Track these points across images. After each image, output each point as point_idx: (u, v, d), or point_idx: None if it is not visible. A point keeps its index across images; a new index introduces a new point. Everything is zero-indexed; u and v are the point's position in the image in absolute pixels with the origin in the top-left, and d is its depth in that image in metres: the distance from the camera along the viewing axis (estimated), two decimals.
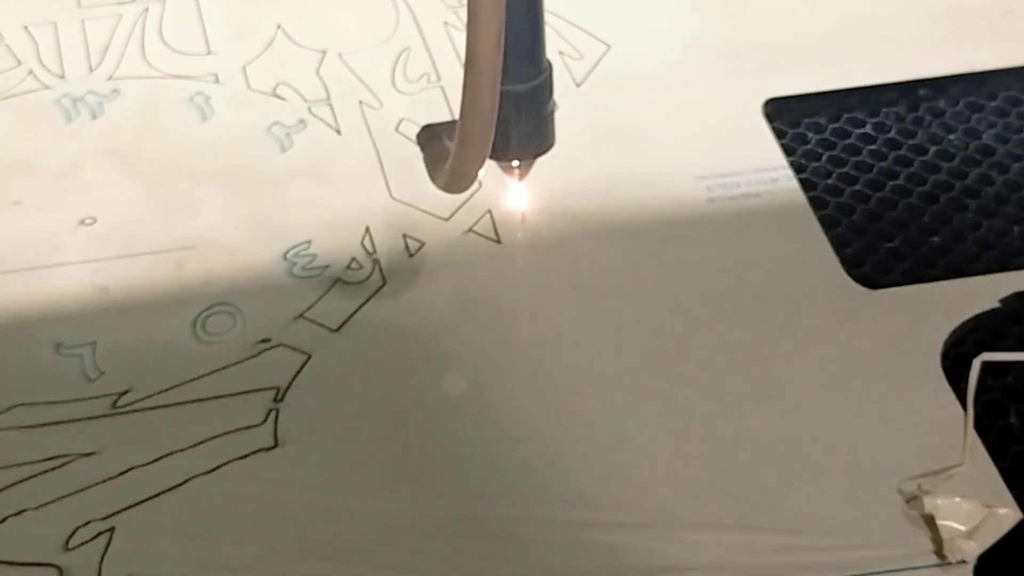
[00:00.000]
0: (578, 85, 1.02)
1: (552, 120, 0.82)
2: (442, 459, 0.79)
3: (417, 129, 0.96)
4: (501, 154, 0.79)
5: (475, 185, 0.90)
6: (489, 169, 0.89)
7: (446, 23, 1.09)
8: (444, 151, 0.81)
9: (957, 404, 0.80)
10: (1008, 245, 0.90)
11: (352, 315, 0.87)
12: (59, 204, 0.95)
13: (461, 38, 1.01)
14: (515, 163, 0.85)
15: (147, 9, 1.11)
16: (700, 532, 0.74)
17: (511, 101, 0.73)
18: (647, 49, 1.06)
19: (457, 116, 0.74)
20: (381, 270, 0.90)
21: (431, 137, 0.85)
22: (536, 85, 0.79)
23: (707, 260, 0.90)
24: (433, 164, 0.84)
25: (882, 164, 0.96)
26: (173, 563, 0.74)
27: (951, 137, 0.98)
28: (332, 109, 1.02)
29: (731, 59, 1.05)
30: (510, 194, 0.95)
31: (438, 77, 1.04)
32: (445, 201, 0.93)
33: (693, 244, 0.91)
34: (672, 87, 1.03)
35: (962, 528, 0.73)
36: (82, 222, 0.93)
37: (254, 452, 0.80)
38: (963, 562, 0.72)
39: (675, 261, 0.90)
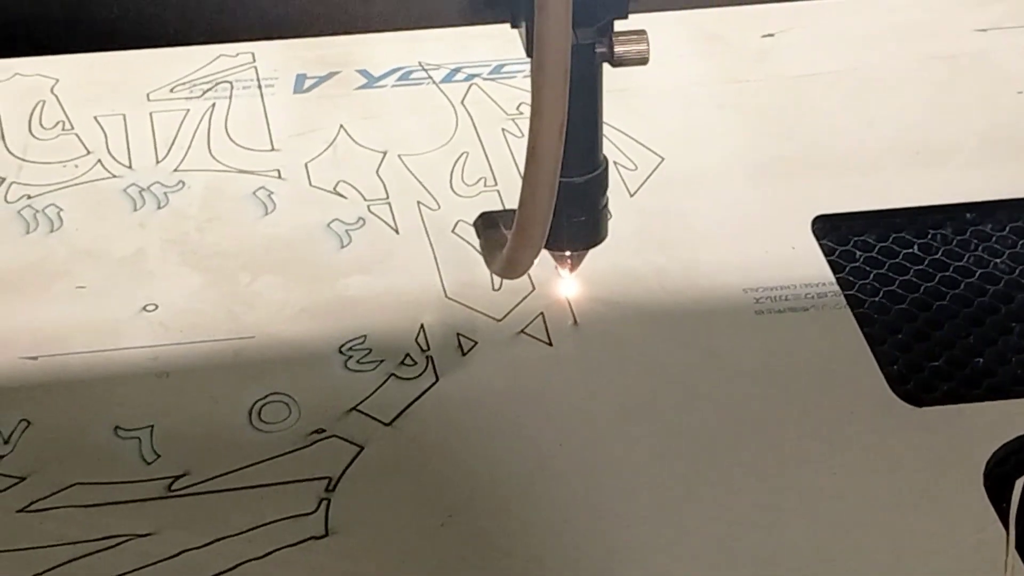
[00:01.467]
0: (632, 195, 1.02)
1: (606, 214, 0.83)
2: (491, 556, 0.79)
3: (472, 232, 0.98)
4: (555, 244, 0.79)
5: (528, 286, 0.91)
6: (542, 275, 0.91)
7: (504, 129, 1.10)
8: (501, 238, 0.81)
9: (999, 524, 0.79)
10: None
11: (405, 409, 0.88)
12: (122, 290, 0.96)
13: (517, 144, 1.03)
14: (567, 253, 0.85)
15: (214, 105, 1.13)
16: None
17: (567, 192, 0.73)
18: (699, 163, 1.07)
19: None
20: (434, 367, 0.90)
21: (488, 224, 0.86)
22: (592, 179, 0.79)
23: (755, 370, 0.90)
24: (489, 251, 0.85)
25: (928, 284, 0.96)
26: None
27: (997, 260, 0.98)
28: (391, 208, 1.02)
29: (782, 176, 1.06)
30: (561, 283, 0.96)
31: (495, 181, 1.05)
32: (498, 302, 0.95)
33: (741, 354, 0.92)
34: (723, 200, 1.03)
35: None
36: (144, 308, 0.94)
37: (305, 540, 0.80)
38: None
39: (724, 369, 0.90)
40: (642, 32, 0.74)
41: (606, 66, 0.75)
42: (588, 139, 0.76)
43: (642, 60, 0.74)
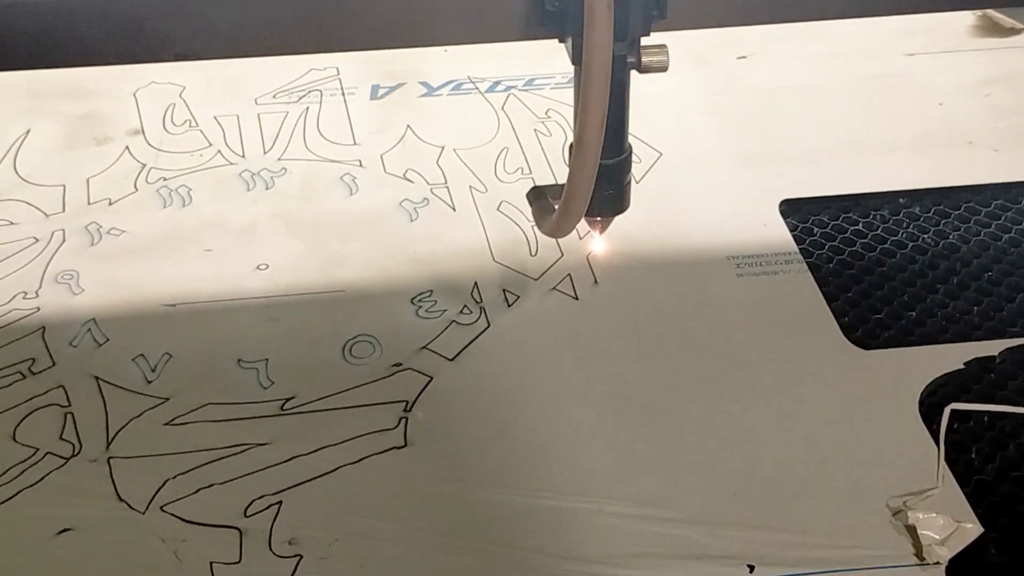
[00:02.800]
0: (638, 182, 1.02)
1: (629, 189, 0.83)
2: (534, 461, 0.80)
3: (517, 215, 0.99)
4: (591, 211, 0.79)
5: (559, 253, 0.92)
6: (569, 245, 0.91)
7: (536, 130, 1.10)
8: (549, 206, 0.82)
9: (932, 442, 0.80)
10: (969, 322, 0.90)
11: (464, 348, 0.88)
12: (240, 253, 0.97)
13: (548, 141, 1.03)
14: (599, 219, 0.85)
15: (307, 108, 1.13)
16: (732, 529, 0.75)
17: (601, 172, 0.73)
18: (690, 156, 1.07)
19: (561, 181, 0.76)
20: (486, 315, 0.91)
21: (538, 196, 0.85)
22: (620, 161, 0.79)
23: (737, 320, 0.91)
24: (540, 216, 0.84)
25: (871, 254, 0.96)
26: (326, 532, 0.75)
27: (924, 236, 0.98)
28: (449, 191, 1.03)
29: (755, 168, 1.06)
30: (592, 242, 0.96)
31: (530, 170, 1.05)
32: (535, 265, 0.95)
33: (726, 307, 0.92)
34: (710, 186, 1.04)
35: (937, 537, 0.73)
36: (257, 267, 0.95)
37: (388, 449, 0.81)
38: (938, 564, 0.72)
39: (713, 319, 0.91)
40: (663, 46, 0.74)
41: (633, 72, 0.74)
42: (618, 131, 0.76)
43: (663, 68, 0.74)
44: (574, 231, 0.80)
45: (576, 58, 0.76)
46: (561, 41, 0.78)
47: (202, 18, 0.81)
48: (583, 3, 0.68)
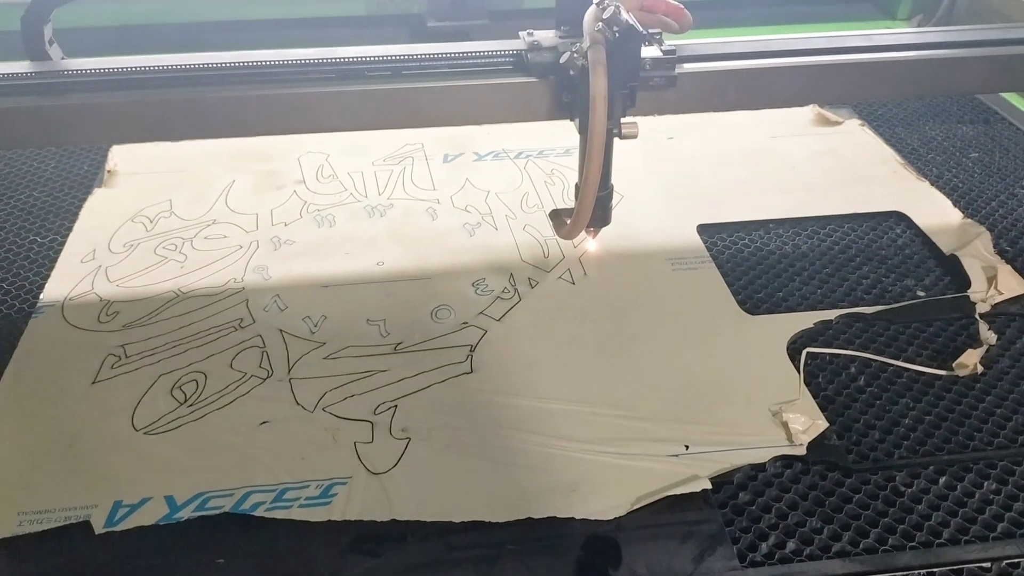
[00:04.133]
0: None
1: (611, 211, 0.84)
2: (551, 382, 0.80)
3: (535, 232, 0.99)
4: (589, 224, 0.81)
5: (561, 255, 0.93)
6: (568, 253, 0.92)
7: (545, 182, 1.10)
8: (563, 221, 0.83)
9: (795, 371, 0.81)
10: (816, 298, 0.91)
11: (505, 314, 0.89)
12: (366, 255, 0.97)
13: (553, 188, 1.03)
14: (591, 229, 0.86)
15: (404, 168, 1.13)
16: (673, 423, 0.76)
17: (596, 200, 0.75)
18: (640, 197, 1.06)
19: (568, 206, 0.77)
20: (518, 293, 0.91)
21: (556, 215, 0.86)
22: (607, 193, 0.80)
23: (673, 296, 0.91)
24: (557, 227, 0.86)
25: (753, 258, 0.97)
26: (424, 424, 0.76)
27: (786, 247, 0.99)
28: (493, 218, 1.03)
29: (681, 203, 1.06)
30: (588, 244, 0.96)
31: (542, 206, 1.06)
32: (547, 262, 0.96)
33: (666, 290, 0.92)
34: (653, 215, 1.03)
35: (801, 428, 0.74)
36: (377, 264, 0.95)
37: (461, 374, 0.81)
38: (801, 444, 0.73)
39: (658, 295, 0.91)
40: (635, 122, 0.74)
41: (616, 139, 0.75)
42: (606, 174, 0.77)
43: (634, 136, 0.75)
44: (574, 239, 0.81)
45: (582, 129, 0.77)
46: (571, 120, 0.79)
47: (340, 106, 0.82)
48: (589, 98, 0.70)
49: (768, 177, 1.11)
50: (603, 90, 0.69)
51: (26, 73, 0.76)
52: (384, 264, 0.95)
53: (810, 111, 1.25)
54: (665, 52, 0.78)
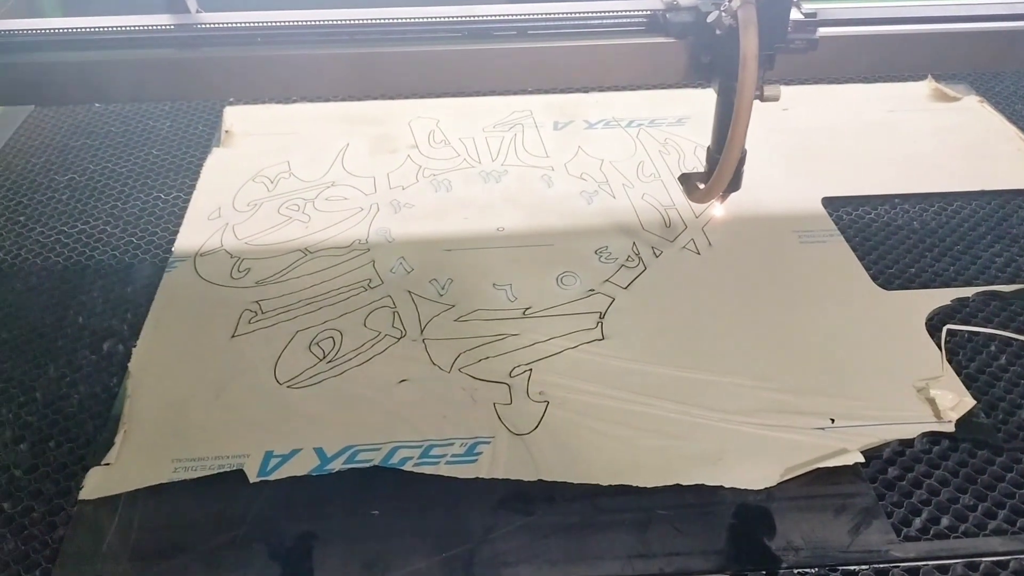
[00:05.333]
0: None
1: (742, 176, 0.83)
2: (682, 351, 0.80)
3: (654, 201, 0.99)
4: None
5: (683, 225, 0.92)
6: (692, 222, 0.91)
7: (659, 151, 1.09)
8: (695, 184, 0.84)
9: (936, 348, 0.79)
10: (950, 275, 0.89)
11: (632, 282, 0.88)
12: (485, 221, 0.97)
13: (670, 158, 1.02)
14: (722, 193, 0.85)
15: (515, 135, 1.13)
16: (818, 396, 0.75)
17: None
18: (763, 171, 1.03)
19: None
20: (643, 263, 0.91)
21: (687, 178, 0.87)
22: (741, 158, 0.80)
23: (800, 272, 0.90)
24: (689, 191, 0.86)
25: (882, 233, 0.95)
26: (560, 389, 0.76)
27: (914, 222, 0.97)
28: (610, 187, 1.02)
29: (804, 177, 1.04)
30: (715, 209, 0.95)
31: (658, 175, 1.05)
32: (671, 232, 0.95)
33: (792, 263, 0.91)
34: (780, 188, 1.01)
35: (949, 405, 0.72)
36: (498, 229, 0.95)
37: (592, 341, 0.81)
38: (950, 421, 0.72)
39: (786, 271, 0.90)
40: (777, 85, 0.73)
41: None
42: None
43: (775, 99, 0.74)
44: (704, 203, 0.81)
45: (721, 92, 0.76)
46: (709, 85, 0.78)
47: (468, 66, 0.81)
48: (739, 59, 0.69)
49: (889, 151, 1.08)
50: (755, 50, 0.69)
51: (164, 26, 0.77)
52: (504, 229, 0.95)
53: (927, 86, 1.22)
54: (806, 14, 0.76)
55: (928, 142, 1.10)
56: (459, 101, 1.18)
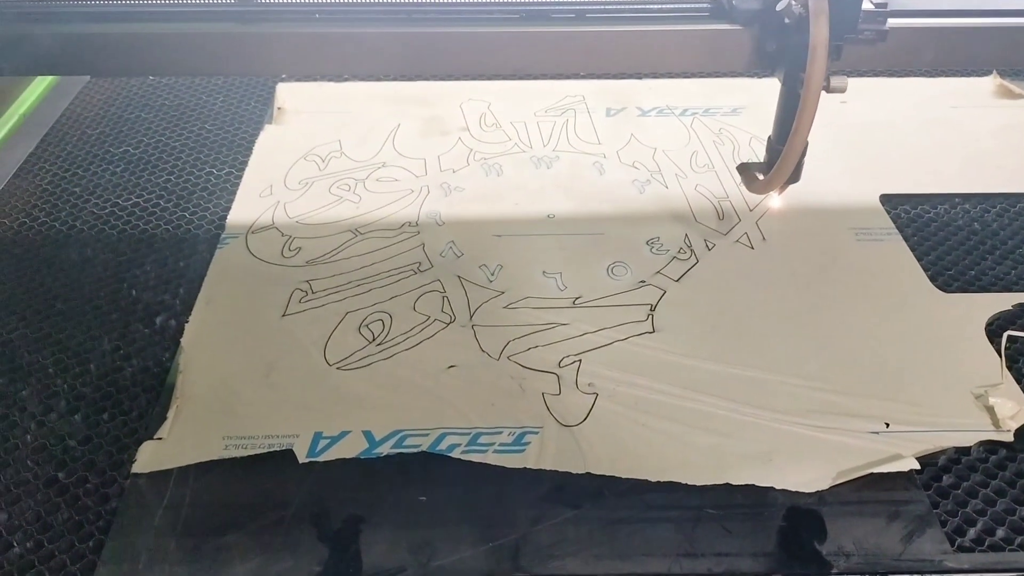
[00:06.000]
0: None
1: (802, 168, 0.81)
2: (734, 348, 0.79)
3: (707, 192, 0.98)
4: None
5: (736, 219, 0.91)
6: (745, 216, 0.90)
7: (713, 141, 1.07)
8: (753, 176, 0.83)
9: (995, 354, 0.78)
10: (1011, 279, 0.87)
11: (683, 275, 0.87)
12: (536, 207, 0.96)
13: (724, 149, 1.00)
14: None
15: (567, 120, 1.12)
16: (873, 399, 0.74)
17: None
18: (819, 165, 1.01)
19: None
20: (695, 255, 0.90)
21: (744, 168, 0.86)
22: (804, 150, 0.78)
23: (856, 271, 0.88)
24: (748, 181, 0.85)
25: (941, 233, 0.93)
26: (610, 381, 0.75)
27: (975, 223, 0.94)
28: (663, 176, 1.01)
29: (864, 174, 1.02)
30: (772, 200, 0.94)
31: (712, 166, 1.03)
32: (723, 226, 0.93)
33: (849, 261, 0.89)
34: (836, 184, 1.00)
35: (1009, 414, 0.71)
36: (548, 216, 0.95)
37: (643, 333, 0.80)
38: (1009, 431, 0.70)
39: (842, 269, 0.88)
40: (844, 76, 0.72)
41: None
42: None
43: (842, 90, 0.72)
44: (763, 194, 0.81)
45: (787, 82, 0.75)
46: (773, 75, 0.77)
47: (523, 48, 0.81)
48: (809, 47, 0.67)
49: (950, 149, 1.06)
50: (825, 39, 0.67)
51: (226, 0, 0.77)
52: (555, 217, 0.94)
53: (991, 82, 1.19)
54: (877, 5, 0.74)
55: (991, 140, 1.07)
56: (511, 84, 1.17)
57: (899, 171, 1.01)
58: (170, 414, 0.70)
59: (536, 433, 0.69)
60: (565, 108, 1.14)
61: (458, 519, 0.63)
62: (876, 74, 1.19)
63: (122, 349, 0.77)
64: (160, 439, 0.69)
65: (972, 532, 0.64)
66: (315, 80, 1.17)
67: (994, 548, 0.63)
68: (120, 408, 0.72)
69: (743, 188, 0.93)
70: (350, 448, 0.68)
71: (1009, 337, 0.79)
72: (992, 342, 0.78)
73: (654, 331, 0.79)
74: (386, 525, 0.63)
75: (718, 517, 0.63)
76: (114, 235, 0.91)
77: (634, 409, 0.72)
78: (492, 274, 0.85)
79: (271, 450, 0.68)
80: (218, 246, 0.88)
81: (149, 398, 0.73)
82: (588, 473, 0.67)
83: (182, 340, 0.77)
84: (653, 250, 0.89)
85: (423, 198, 0.96)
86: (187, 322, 0.79)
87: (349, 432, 0.69)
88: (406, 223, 0.92)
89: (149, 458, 0.68)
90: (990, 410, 0.71)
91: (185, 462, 0.67)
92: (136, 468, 0.67)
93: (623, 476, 0.66)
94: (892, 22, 0.76)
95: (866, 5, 0.75)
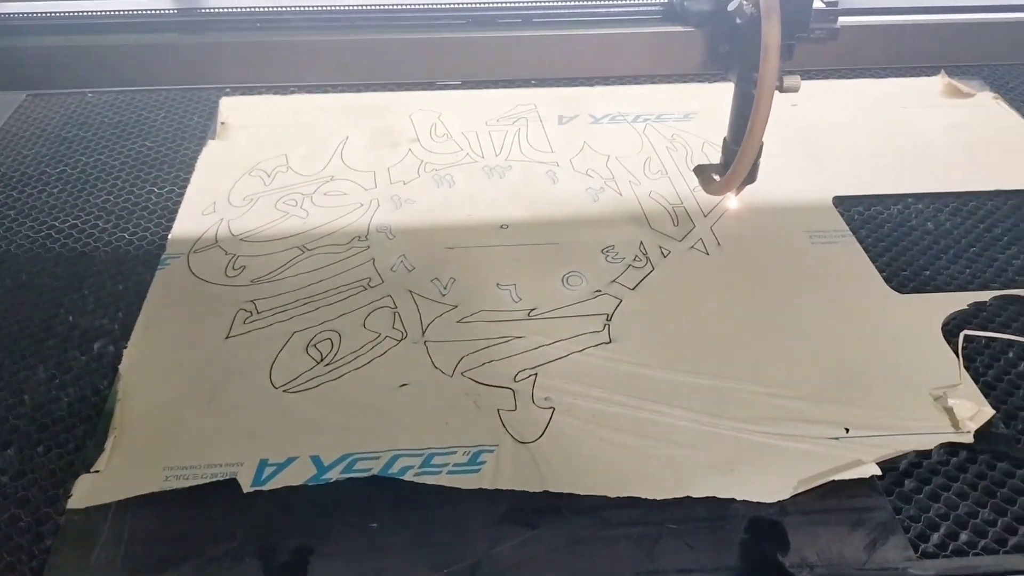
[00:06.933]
0: None
1: (758, 169, 0.81)
2: (692, 355, 0.77)
3: (661, 199, 0.97)
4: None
5: (691, 224, 0.90)
6: (700, 221, 0.89)
7: (667, 147, 1.07)
8: (711, 176, 0.83)
9: (953, 355, 0.77)
10: (966, 278, 0.87)
11: (639, 283, 0.86)
12: (488, 218, 0.94)
13: (678, 155, 1.00)
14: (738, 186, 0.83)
15: (519, 129, 1.10)
16: (831, 404, 0.73)
17: None
18: (773, 168, 1.01)
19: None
20: (651, 262, 0.88)
21: (702, 170, 0.86)
22: (759, 150, 0.78)
23: (811, 274, 0.87)
24: (704, 183, 0.85)
25: (894, 234, 0.93)
26: (567, 394, 0.74)
27: (928, 223, 0.94)
28: (617, 183, 1.00)
29: (816, 175, 1.01)
30: (730, 201, 0.94)
31: (666, 172, 1.02)
32: (678, 232, 0.92)
33: (804, 265, 0.88)
34: (789, 187, 0.99)
35: (967, 415, 0.70)
36: (501, 227, 0.93)
37: (599, 344, 0.79)
38: (968, 432, 0.69)
39: (797, 273, 0.87)
40: (797, 75, 0.71)
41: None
42: None
43: (795, 89, 0.72)
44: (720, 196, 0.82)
45: (740, 82, 0.74)
46: (725, 74, 0.76)
47: (469, 54, 0.79)
48: (761, 48, 0.67)
49: (902, 149, 1.06)
50: (777, 39, 0.67)
51: (161, 9, 0.75)
52: (508, 227, 0.92)
53: (939, 81, 1.20)
54: (827, 3, 0.74)
55: (942, 139, 1.07)
56: (462, 93, 1.16)
57: (852, 172, 1.01)
58: (108, 445, 0.67)
59: (492, 451, 0.67)
60: (517, 117, 1.13)
61: (411, 545, 0.61)
62: (827, 75, 1.19)
63: (58, 378, 0.74)
64: (97, 472, 0.66)
65: (935, 537, 0.63)
66: (260, 93, 1.14)
67: (958, 553, 0.62)
68: (56, 440, 0.69)
69: (698, 193, 0.92)
70: (297, 475, 0.65)
71: (966, 337, 0.78)
72: (949, 342, 0.78)
73: (611, 341, 0.78)
74: (336, 555, 0.60)
75: (679, 532, 0.62)
76: (50, 258, 0.87)
77: (592, 423, 0.70)
78: (445, 288, 0.83)
79: (214, 480, 0.65)
80: (159, 267, 0.85)
81: (86, 429, 0.69)
82: (546, 491, 0.64)
83: (120, 367, 0.74)
84: (608, 259, 0.88)
85: (373, 211, 0.94)
86: (126, 348, 0.76)
87: (296, 458, 0.66)
88: (355, 237, 0.90)
89: (86, 492, 0.64)
90: (949, 411, 0.71)
91: (123, 495, 0.64)
92: (72, 503, 0.63)
93: (582, 493, 0.64)
94: (843, 20, 0.76)
95: (817, 4, 0.74)
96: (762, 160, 0.83)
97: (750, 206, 0.93)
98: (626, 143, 1.07)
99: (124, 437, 0.68)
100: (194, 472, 0.66)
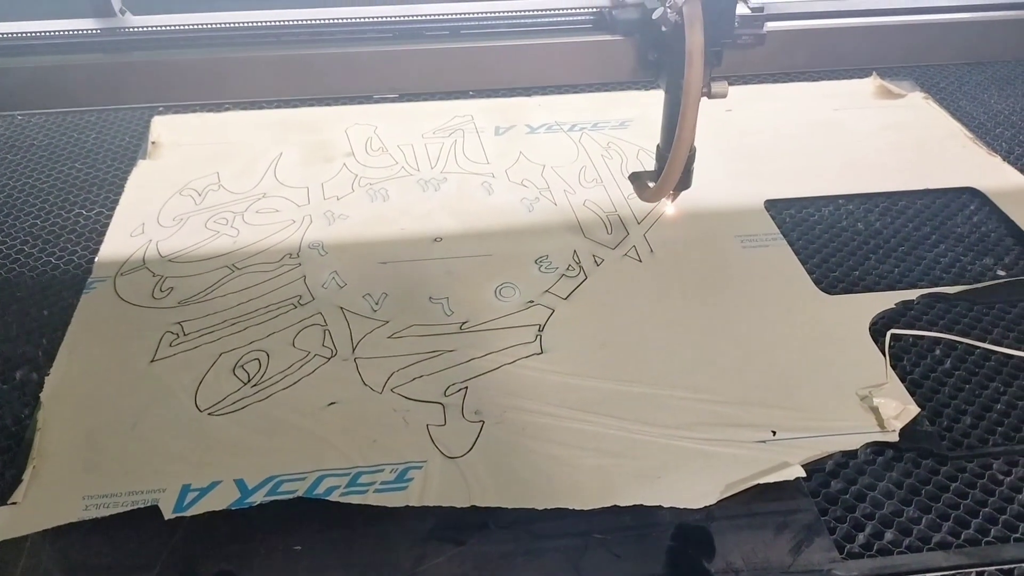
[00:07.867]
0: None
1: (691, 175, 0.82)
2: (624, 363, 0.77)
3: (595, 207, 0.97)
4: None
5: (624, 232, 0.89)
6: (633, 230, 0.88)
7: (602, 155, 1.07)
8: (645, 183, 0.83)
9: (879, 354, 0.78)
10: (894, 277, 0.88)
11: (572, 292, 0.86)
12: (423, 231, 0.94)
13: (613, 163, 1.00)
14: (673, 192, 0.85)
15: (455, 141, 1.10)
16: (758, 408, 0.73)
17: None
18: (704, 173, 1.01)
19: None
20: (584, 271, 0.88)
21: (637, 177, 0.86)
22: (691, 155, 0.78)
23: (742, 278, 0.88)
24: (639, 190, 0.86)
25: (825, 236, 0.94)
26: (497, 407, 0.73)
27: (858, 223, 0.95)
28: (552, 193, 1.00)
29: (747, 180, 1.02)
30: (667, 207, 0.94)
31: (600, 180, 1.02)
32: (612, 239, 0.92)
33: (736, 269, 0.89)
34: (720, 192, 1.00)
35: (893, 414, 0.71)
36: (435, 240, 0.92)
37: (531, 355, 0.78)
38: (894, 431, 0.70)
39: (729, 278, 0.88)
40: (724, 81, 0.72)
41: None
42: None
43: (723, 95, 0.73)
44: (655, 202, 0.81)
45: (669, 89, 0.75)
46: (655, 81, 0.77)
47: (398, 67, 0.79)
48: (685, 55, 0.67)
49: (833, 151, 1.07)
50: (700, 46, 0.67)
51: (87, 29, 0.74)
52: (442, 240, 0.92)
53: (871, 83, 1.21)
54: (753, 9, 0.75)
55: (873, 140, 1.09)
56: (398, 107, 1.15)
57: (784, 176, 1.02)
58: (26, 476, 0.66)
59: (420, 468, 0.67)
60: (454, 129, 1.12)
61: (336, 567, 0.60)
62: (760, 80, 1.21)
63: None
64: (14, 504, 0.64)
65: (861, 537, 0.63)
66: (194, 111, 1.12)
67: (883, 552, 0.62)
68: None
69: (632, 200, 0.92)
70: (221, 499, 0.64)
71: (893, 336, 0.79)
72: (876, 341, 0.79)
73: (542, 352, 0.78)
74: None
75: (606, 542, 0.62)
76: None
77: (521, 435, 0.69)
78: (377, 303, 0.83)
79: (135, 507, 0.63)
80: (84, 291, 0.84)
81: (4, 460, 0.68)
82: (474, 506, 0.64)
83: (42, 395, 0.72)
84: (542, 269, 0.88)
85: (305, 228, 0.93)
86: (48, 376, 0.74)
87: (220, 482, 0.65)
88: (287, 255, 0.89)
89: (2, 525, 0.63)
90: (875, 411, 0.71)
91: (41, 527, 0.62)
92: None
93: (509, 506, 0.64)
94: (770, 25, 0.77)
95: (743, 10, 0.75)
96: (696, 165, 0.83)
97: (682, 214, 0.93)
98: (562, 152, 1.07)
99: (43, 467, 0.67)
100: (115, 500, 0.64)
